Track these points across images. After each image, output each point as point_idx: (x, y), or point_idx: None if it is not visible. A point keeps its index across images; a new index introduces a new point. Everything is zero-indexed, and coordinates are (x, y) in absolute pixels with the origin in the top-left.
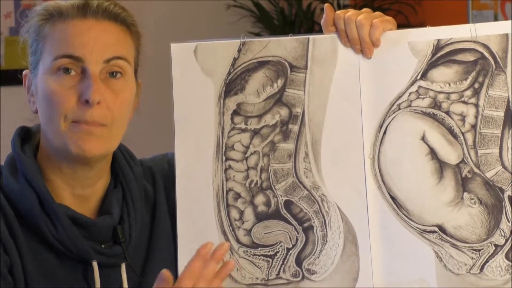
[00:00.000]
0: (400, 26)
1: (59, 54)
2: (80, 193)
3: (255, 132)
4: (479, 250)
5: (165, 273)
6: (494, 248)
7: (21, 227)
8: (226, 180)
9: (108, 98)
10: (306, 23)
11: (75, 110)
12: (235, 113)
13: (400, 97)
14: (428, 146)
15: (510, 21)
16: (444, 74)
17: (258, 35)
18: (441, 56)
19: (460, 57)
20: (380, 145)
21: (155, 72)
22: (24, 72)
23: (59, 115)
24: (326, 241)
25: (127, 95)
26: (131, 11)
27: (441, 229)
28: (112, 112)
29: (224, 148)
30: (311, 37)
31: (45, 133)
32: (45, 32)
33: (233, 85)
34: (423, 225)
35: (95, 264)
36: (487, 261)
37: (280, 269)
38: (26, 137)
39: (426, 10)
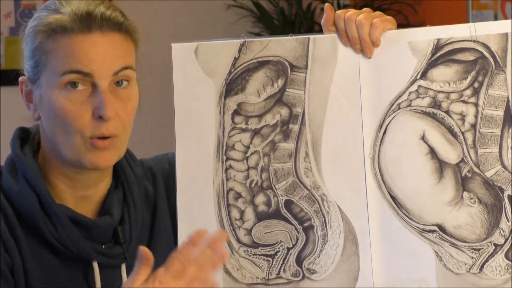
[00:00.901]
0: (400, 26)
1: (66, 70)
2: (81, 194)
3: (256, 132)
4: (479, 249)
5: (143, 250)
6: (493, 247)
7: (21, 227)
8: (227, 179)
9: (119, 110)
10: (306, 23)
11: (90, 126)
12: (236, 112)
13: (400, 96)
14: (428, 145)
15: (509, 20)
16: (443, 74)
17: (258, 35)
18: (440, 55)
19: (459, 56)
20: (380, 144)
21: (156, 72)
22: (20, 79)
23: (76, 132)
24: (327, 240)
25: (134, 102)
26: (132, 12)
27: (441, 228)
28: (123, 122)
29: (224, 147)
30: (311, 37)
31: (55, 143)
32: (49, 46)
33: (233, 84)
34: (423, 224)
35: (95, 264)
36: (486, 261)
37: (280, 268)
38: (25, 137)
39: (426, 10)
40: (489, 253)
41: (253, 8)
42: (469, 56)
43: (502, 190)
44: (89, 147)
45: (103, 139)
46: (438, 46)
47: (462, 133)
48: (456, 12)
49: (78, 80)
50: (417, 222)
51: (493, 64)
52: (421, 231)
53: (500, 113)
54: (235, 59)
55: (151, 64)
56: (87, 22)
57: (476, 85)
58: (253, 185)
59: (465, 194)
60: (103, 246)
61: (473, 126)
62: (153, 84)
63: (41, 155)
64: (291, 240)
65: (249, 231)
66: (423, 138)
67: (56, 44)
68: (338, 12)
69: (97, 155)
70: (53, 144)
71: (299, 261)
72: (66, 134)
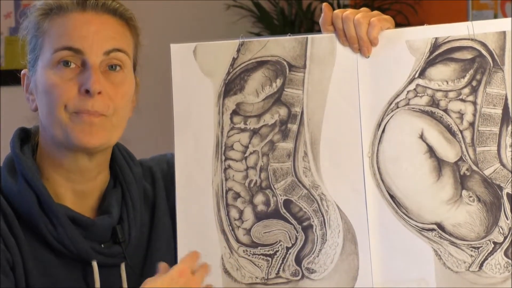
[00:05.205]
0: (400, 26)
1: (59, 47)
2: (80, 188)
3: (254, 132)
4: (478, 247)
5: (162, 265)
6: (493, 245)
7: (20, 227)
8: (226, 179)
9: (109, 89)
10: (306, 23)
11: (75, 100)
12: (235, 113)
13: (398, 95)
14: (427, 144)
15: (508, 18)
16: (441, 72)
17: (258, 35)
18: (438, 54)
19: (457, 55)
20: (378, 143)
21: (155, 72)
22: (22, 72)
23: (59, 105)
24: (326, 240)
25: (127, 88)
26: (132, 11)
27: (440, 227)
28: (113, 103)
29: (223, 147)
30: (309, 36)
31: (45, 127)
32: (45, 27)
33: (232, 85)
34: (422, 223)
35: (94, 264)
36: (486, 259)
37: (279, 268)
38: (26, 138)
39: (426, 10)
40: (488, 251)
41: (253, 8)
42: (467, 55)
43: (501, 188)
44: (74, 121)
45: (90, 115)
46: (436, 45)
47: (461, 132)
48: (456, 12)
49: (70, 58)
50: (416, 221)
51: (491, 62)
52: (420, 229)
53: (498, 111)
54: (234, 60)
55: (151, 64)
56: (82, 3)
57: (474, 83)
58: (252, 185)
59: (464, 192)
60: (102, 246)
61: (472, 124)
62: (153, 84)
63: (40, 152)
64: (290, 239)
65: (248, 231)
66: (421, 136)
67: (52, 24)
68: (336, 11)
69: (84, 130)
70: (45, 128)
71: (298, 260)
72: (52, 111)
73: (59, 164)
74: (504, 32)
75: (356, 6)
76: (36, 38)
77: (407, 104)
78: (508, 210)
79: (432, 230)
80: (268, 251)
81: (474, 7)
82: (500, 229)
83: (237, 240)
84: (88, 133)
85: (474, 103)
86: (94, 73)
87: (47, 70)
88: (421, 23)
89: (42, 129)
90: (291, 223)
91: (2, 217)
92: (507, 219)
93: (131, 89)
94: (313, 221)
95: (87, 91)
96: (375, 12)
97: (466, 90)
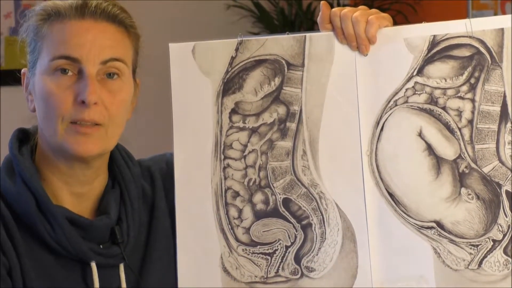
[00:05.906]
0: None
1: (56, 55)
2: (77, 191)
3: (253, 131)
4: (477, 245)
5: None
6: (492, 243)
7: (18, 229)
8: (225, 178)
9: (105, 98)
10: (306, 23)
11: (71, 111)
12: (233, 111)
13: (396, 93)
14: (425, 142)
15: (505, 16)
16: (440, 70)
17: (258, 35)
18: (437, 51)
19: (456, 52)
20: (377, 141)
21: (154, 72)
22: (22, 71)
23: (57, 117)
24: (325, 238)
25: (124, 96)
26: (131, 11)
27: (439, 225)
28: (109, 112)
29: (222, 146)
30: (307, 35)
31: (42, 131)
32: (43, 32)
33: (231, 84)
34: (421, 221)
35: (93, 264)
36: (485, 257)
37: (279, 267)
38: (24, 138)
39: (426, 10)
40: (488, 249)
41: (253, 8)
42: (465, 52)
43: (499, 186)
44: (70, 132)
45: (86, 126)
46: (434, 43)
47: (459, 129)
48: (456, 12)
49: (67, 66)
50: (415, 219)
51: (489, 59)
52: (419, 227)
53: (497, 108)
54: (232, 58)
55: (151, 64)
56: (81, 9)
57: (472, 80)
58: (251, 183)
59: (463, 190)
60: (101, 246)
61: (470, 122)
62: (152, 84)
63: (38, 153)
64: (289, 238)
65: (247, 230)
66: (420, 134)
67: (50, 29)
68: (334, 9)
69: (78, 141)
70: (42, 133)
71: (297, 259)
72: (49, 120)
73: (56, 167)
74: (502, 29)
75: (356, 6)
76: (35, 42)
77: (406, 102)
78: (507, 208)
79: (431, 228)
80: (268, 249)
81: (474, 7)
82: (499, 227)
83: (236, 239)
84: (83, 143)
85: (473, 100)
86: (91, 83)
87: (45, 76)
88: (420, 23)
89: (40, 130)
90: (290, 222)
91: (0, 220)
92: (506, 217)
93: (129, 96)
94: (312, 220)
95: (83, 102)
96: (373, 10)
97: (465, 88)
